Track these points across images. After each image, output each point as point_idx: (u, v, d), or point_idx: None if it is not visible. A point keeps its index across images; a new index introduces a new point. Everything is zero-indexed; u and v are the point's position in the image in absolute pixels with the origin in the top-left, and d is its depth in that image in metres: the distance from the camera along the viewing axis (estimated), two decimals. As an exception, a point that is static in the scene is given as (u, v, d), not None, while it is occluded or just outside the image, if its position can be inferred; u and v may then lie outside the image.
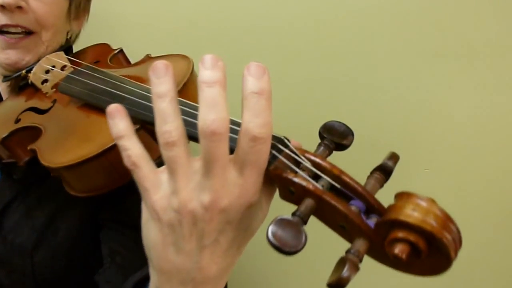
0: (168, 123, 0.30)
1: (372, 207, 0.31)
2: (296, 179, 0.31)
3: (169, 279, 0.32)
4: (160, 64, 0.30)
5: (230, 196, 0.30)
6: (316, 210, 0.31)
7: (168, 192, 0.31)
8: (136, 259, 0.54)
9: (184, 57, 0.52)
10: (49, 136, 0.50)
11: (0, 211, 0.62)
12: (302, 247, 0.28)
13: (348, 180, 0.31)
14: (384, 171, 0.33)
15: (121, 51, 0.67)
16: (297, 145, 0.34)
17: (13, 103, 0.63)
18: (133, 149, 0.32)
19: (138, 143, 0.33)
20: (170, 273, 0.32)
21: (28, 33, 0.61)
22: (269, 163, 0.32)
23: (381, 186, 0.32)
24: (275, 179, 0.32)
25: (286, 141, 0.33)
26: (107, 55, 0.66)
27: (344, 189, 0.31)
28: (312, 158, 0.32)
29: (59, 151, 0.47)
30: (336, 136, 0.35)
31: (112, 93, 0.46)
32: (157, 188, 0.32)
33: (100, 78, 0.50)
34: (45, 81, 0.59)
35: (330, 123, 0.35)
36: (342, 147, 0.35)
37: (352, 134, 0.35)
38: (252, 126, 0.29)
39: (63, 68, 0.60)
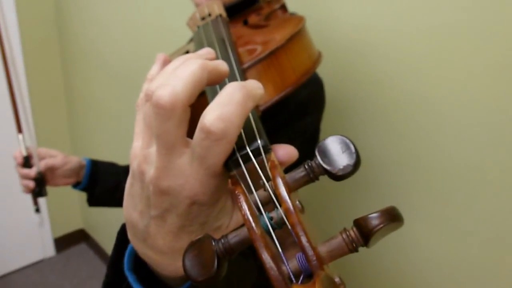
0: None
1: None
2: (241, 200, 0.25)
3: (128, 228, 0.32)
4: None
5: (171, 182, 0.26)
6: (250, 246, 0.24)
7: (141, 144, 0.30)
8: None
9: (297, 24, 0.47)
10: None
11: None
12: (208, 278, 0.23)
13: (296, 225, 0.23)
14: (361, 231, 0.22)
15: (281, 7, 0.62)
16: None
17: None
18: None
19: None
20: (127, 222, 0.31)
21: None
22: (230, 167, 0.27)
23: (352, 250, 0.22)
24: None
25: (261, 149, 0.27)
26: (270, 8, 0.63)
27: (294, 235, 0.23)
28: (278, 182, 0.25)
29: None
30: (328, 160, 0.24)
31: None
32: (140, 137, 0.31)
33: (210, 36, 0.48)
34: None
35: (327, 142, 0.25)
36: (333, 176, 0.24)
37: (355, 164, 0.24)
38: (209, 114, 0.24)
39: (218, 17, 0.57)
